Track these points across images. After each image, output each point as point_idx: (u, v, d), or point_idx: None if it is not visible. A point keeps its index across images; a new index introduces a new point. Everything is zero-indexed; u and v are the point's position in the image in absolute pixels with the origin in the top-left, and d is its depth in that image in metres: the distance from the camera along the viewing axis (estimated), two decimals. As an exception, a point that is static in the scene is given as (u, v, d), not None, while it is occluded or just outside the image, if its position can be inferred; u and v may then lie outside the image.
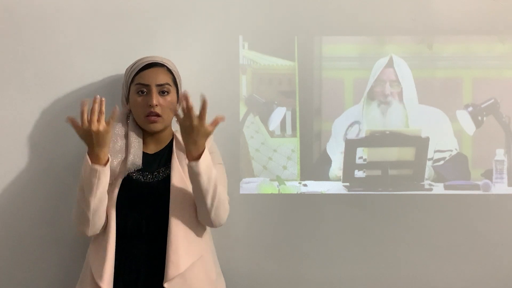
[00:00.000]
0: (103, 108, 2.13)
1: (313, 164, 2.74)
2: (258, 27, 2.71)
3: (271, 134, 2.74)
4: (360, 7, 2.71)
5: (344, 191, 2.73)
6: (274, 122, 2.74)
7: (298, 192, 2.73)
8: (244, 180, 2.72)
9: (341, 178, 2.73)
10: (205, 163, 2.19)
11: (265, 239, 2.71)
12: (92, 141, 2.14)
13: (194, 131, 2.16)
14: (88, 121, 2.12)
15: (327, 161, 2.74)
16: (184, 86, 2.61)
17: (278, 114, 2.73)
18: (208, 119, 2.66)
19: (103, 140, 2.15)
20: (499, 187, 2.73)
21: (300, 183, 2.73)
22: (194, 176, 2.19)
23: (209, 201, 2.23)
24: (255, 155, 2.73)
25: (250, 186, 2.72)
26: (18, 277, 2.66)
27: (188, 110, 2.13)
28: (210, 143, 2.37)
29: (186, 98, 2.12)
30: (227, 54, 2.70)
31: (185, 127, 2.16)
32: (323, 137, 2.73)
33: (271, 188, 2.73)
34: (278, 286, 2.71)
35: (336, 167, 2.74)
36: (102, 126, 2.13)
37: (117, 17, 2.65)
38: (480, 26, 2.72)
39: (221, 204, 2.27)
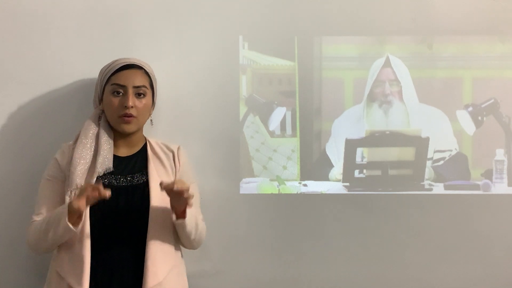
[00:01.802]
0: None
1: (313, 164, 2.74)
2: (258, 27, 2.71)
3: (271, 134, 2.74)
4: (360, 7, 2.72)
5: (344, 191, 2.73)
6: (274, 122, 2.74)
7: (298, 192, 2.73)
8: (244, 180, 2.72)
9: (341, 178, 2.73)
10: (190, 217, 2.24)
11: (265, 239, 2.71)
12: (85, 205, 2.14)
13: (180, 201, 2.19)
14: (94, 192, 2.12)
15: (327, 161, 2.74)
16: (184, 86, 2.62)
17: (278, 114, 2.73)
18: (209, 118, 2.67)
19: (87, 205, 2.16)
20: (499, 187, 2.73)
21: (300, 183, 2.73)
22: (180, 227, 2.26)
23: (192, 237, 2.31)
24: (255, 155, 2.73)
25: (250, 186, 2.71)
26: None
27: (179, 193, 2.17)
28: (183, 159, 2.42)
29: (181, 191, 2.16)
30: (227, 54, 2.70)
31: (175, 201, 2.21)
32: (323, 137, 2.73)
33: (271, 188, 2.73)
34: (278, 286, 2.71)
35: (336, 167, 2.74)
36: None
37: (116, 18, 2.65)
38: (480, 26, 2.72)
39: (202, 233, 2.37)
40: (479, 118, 2.72)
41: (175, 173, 2.39)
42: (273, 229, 2.71)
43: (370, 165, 2.73)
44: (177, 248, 2.36)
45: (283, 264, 2.71)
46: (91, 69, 2.61)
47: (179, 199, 2.18)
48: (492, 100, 2.73)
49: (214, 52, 2.69)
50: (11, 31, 2.63)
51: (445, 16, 2.72)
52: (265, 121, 2.74)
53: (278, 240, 2.71)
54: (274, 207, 2.71)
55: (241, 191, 2.70)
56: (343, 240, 2.71)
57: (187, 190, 2.16)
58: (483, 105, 2.73)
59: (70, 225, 2.13)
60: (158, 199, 2.27)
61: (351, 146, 2.72)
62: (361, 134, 2.72)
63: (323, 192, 2.73)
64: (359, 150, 2.73)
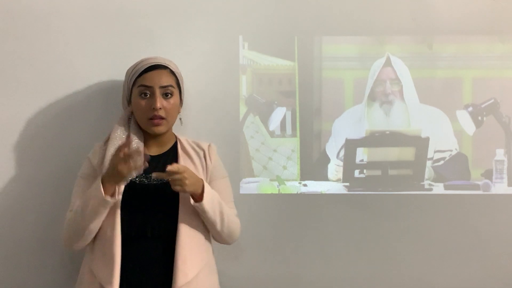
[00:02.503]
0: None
1: (313, 164, 2.74)
2: (258, 27, 2.71)
3: (271, 134, 2.74)
4: (360, 7, 2.72)
5: (344, 191, 2.73)
6: (274, 122, 2.74)
7: (298, 192, 2.73)
8: (244, 180, 2.72)
9: (341, 178, 2.74)
10: (208, 201, 2.24)
11: (265, 239, 2.71)
12: (116, 174, 2.16)
13: (183, 184, 2.20)
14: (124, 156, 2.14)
15: (327, 161, 2.74)
16: (185, 86, 2.61)
17: (278, 114, 2.73)
18: (210, 119, 2.67)
19: (124, 178, 2.17)
20: (499, 187, 2.73)
21: (300, 183, 2.73)
22: (200, 212, 2.26)
23: (219, 227, 2.31)
24: (255, 155, 2.73)
25: (250, 186, 2.71)
26: (15, 279, 2.64)
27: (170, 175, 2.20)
28: (214, 156, 2.42)
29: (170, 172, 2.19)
30: (227, 54, 2.70)
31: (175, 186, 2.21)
32: (323, 137, 2.74)
33: (271, 188, 2.73)
34: (278, 286, 2.71)
35: (334, 169, 2.74)
36: (135, 171, 2.16)
37: (117, 18, 2.65)
38: (480, 26, 2.72)
39: (231, 225, 2.35)
40: (479, 118, 2.73)
41: (206, 170, 2.40)
42: (273, 229, 2.71)
43: (370, 165, 2.73)
44: (208, 246, 2.36)
45: (283, 264, 2.71)
46: (91, 70, 2.62)
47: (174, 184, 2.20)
48: (492, 100, 2.73)
49: (214, 52, 2.69)
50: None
51: (445, 16, 2.72)
52: (265, 121, 2.74)
53: (278, 240, 2.71)
54: (274, 207, 2.72)
55: (241, 191, 2.70)
56: (343, 240, 2.71)
57: (173, 171, 2.17)
58: (483, 105, 2.73)
59: (108, 198, 2.16)
60: (188, 196, 2.27)
61: (351, 146, 2.72)
62: (361, 134, 2.73)
63: (323, 192, 2.73)
64: (359, 150, 2.73)
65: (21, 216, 2.64)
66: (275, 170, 2.74)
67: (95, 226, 2.23)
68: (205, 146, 2.44)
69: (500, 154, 2.72)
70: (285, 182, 2.73)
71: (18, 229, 2.64)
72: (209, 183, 2.38)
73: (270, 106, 2.74)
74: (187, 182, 2.19)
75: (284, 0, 2.71)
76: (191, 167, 2.35)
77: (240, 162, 2.71)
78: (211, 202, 2.26)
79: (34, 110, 2.63)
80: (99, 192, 2.17)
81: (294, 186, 2.73)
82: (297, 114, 2.73)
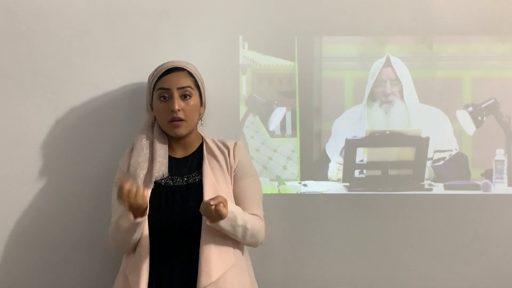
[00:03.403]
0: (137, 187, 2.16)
1: (313, 164, 2.74)
2: (258, 27, 2.71)
3: (271, 134, 2.74)
4: (360, 7, 2.72)
5: (344, 191, 2.73)
6: (274, 122, 2.74)
7: (298, 192, 2.73)
8: (244, 180, 2.72)
9: (341, 178, 2.74)
10: (228, 223, 2.21)
11: (265, 239, 2.70)
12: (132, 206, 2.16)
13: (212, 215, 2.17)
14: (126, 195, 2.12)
15: (327, 161, 2.74)
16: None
17: (278, 114, 2.73)
18: (210, 118, 2.67)
19: (142, 204, 2.16)
20: (499, 187, 2.73)
21: (300, 183, 2.73)
22: (218, 229, 2.24)
23: (240, 239, 2.29)
24: (255, 155, 2.73)
25: (250, 186, 2.71)
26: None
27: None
28: (240, 154, 2.40)
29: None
30: (227, 54, 2.70)
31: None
32: (323, 137, 2.74)
33: (271, 188, 2.73)
34: (278, 286, 2.71)
35: (335, 168, 2.74)
36: (140, 198, 2.13)
37: (116, 18, 2.65)
38: (480, 26, 2.72)
39: (255, 234, 2.33)
40: (479, 118, 2.73)
41: (230, 171, 2.38)
42: (273, 229, 2.71)
43: (370, 165, 2.73)
44: (235, 245, 2.34)
45: (282, 263, 2.71)
46: (91, 70, 2.63)
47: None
48: (492, 100, 2.73)
49: (214, 52, 2.69)
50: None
51: (445, 16, 2.72)
52: (265, 121, 2.74)
53: (278, 240, 2.71)
54: (274, 207, 2.71)
55: (241, 191, 2.70)
56: (343, 240, 2.71)
57: (213, 203, 2.14)
58: (483, 105, 2.73)
59: (131, 217, 2.16)
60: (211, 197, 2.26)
61: (351, 146, 2.72)
62: (361, 134, 2.73)
63: (323, 192, 2.73)
64: (359, 150, 2.73)
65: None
66: (275, 170, 2.74)
67: (134, 239, 2.24)
68: (230, 144, 2.42)
69: (500, 154, 2.72)
70: (285, 182, 2.73)
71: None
72: (235, 183, 2.38)
73: (270, 106, 2.74)
74: (224, 210, 2.16)
75: (284, 0, 2.71)
76: (216, 166, 2.36)
77: (240, 162, 2.71)
78: (232, 221, 2.22)
79: (38, 111, 2.65)
80: (127, 219, 2.16)
81: (294, 186, 2.73)
82: (297, 114, 2.73)
